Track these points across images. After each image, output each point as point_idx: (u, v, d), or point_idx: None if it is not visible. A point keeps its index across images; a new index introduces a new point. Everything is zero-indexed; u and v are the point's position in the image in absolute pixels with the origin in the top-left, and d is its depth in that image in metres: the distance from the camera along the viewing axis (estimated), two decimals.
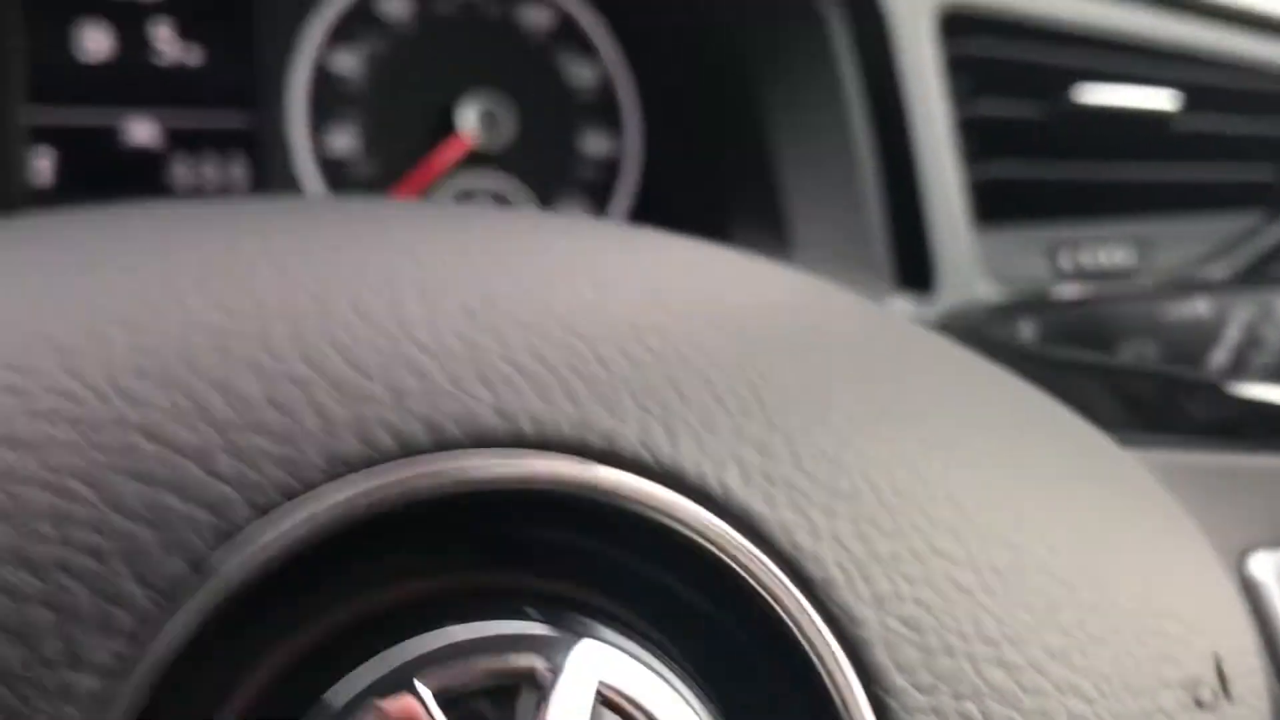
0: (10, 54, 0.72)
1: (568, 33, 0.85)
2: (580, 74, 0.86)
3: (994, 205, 0.80)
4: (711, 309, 0.27)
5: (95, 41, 0.74)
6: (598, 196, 0.86)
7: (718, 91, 0.84)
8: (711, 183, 0.86)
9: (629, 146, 0.87)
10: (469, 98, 0.81)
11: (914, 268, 0.78)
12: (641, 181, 0.87)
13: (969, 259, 0.78)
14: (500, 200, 0.83)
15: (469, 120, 0.81)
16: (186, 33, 0.76)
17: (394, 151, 0.81)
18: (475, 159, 0.82)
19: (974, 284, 0.78)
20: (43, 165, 0.73)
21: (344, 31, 0.79)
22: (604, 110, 0.86)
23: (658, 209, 0.87)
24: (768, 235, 0.81)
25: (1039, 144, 0.82)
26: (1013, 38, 0.82)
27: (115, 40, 0.75)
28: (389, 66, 0.81)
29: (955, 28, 0.80)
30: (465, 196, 0.82)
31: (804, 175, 0.80)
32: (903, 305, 0.77)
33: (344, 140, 0.80)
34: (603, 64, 0.86)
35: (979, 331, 0.61)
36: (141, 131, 0.75)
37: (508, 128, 0.82)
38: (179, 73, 0.76)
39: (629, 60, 0.87)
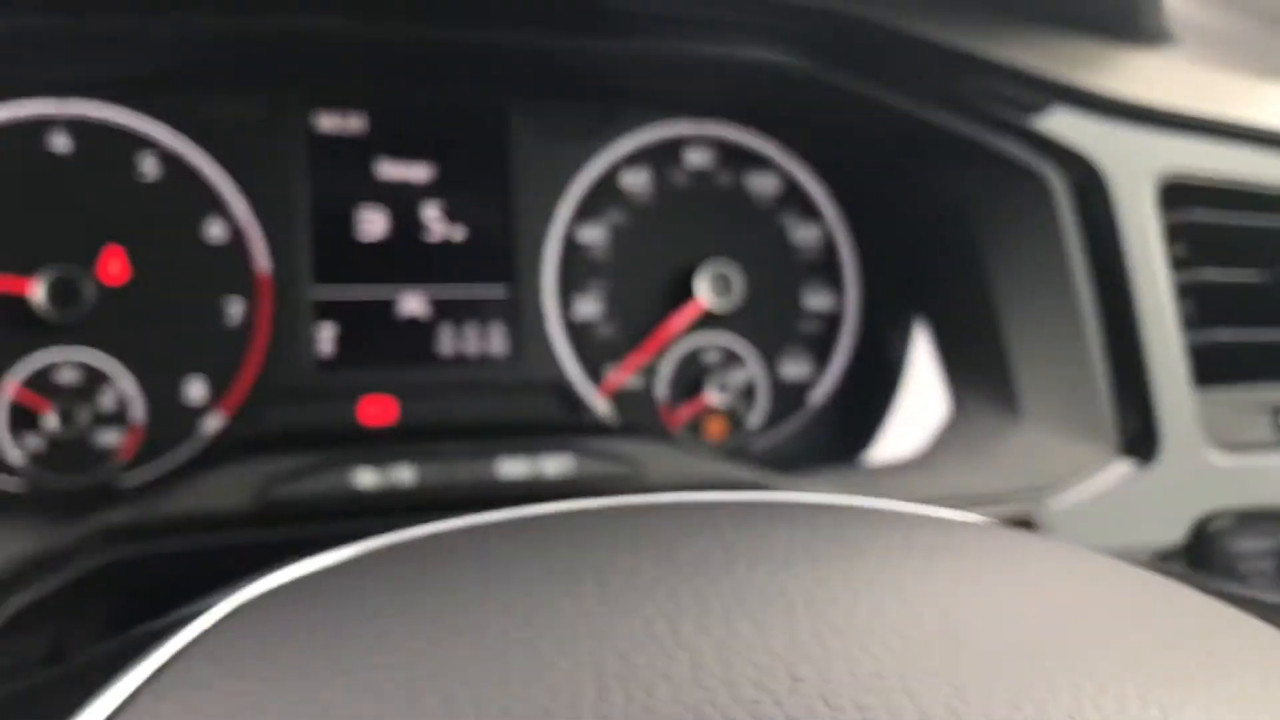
0: (300, 239, 0.80)
1: (793, 197, 0.90)
2: (804, 235, 0.90)
3: (1214, 368, 0.82)
4: (1121, 665, 0.31)
5: (372, 223, 0.81)
6: (819, 349, 0.91)
7: (939, 251, 0.88)
8: (932, 339, 0.89)
9: (849, 302, 0.91)
10: (703, 262, 0.86)
11: (1137, 433, 0.80)
12: (861, 335, 0.91)
13: (1192, 424, 0.80)
14: (729, 356, 0.88)
15: (703, 284, 0.86)
16: (452, 213, 0.83)
17: (633, 314, 0.86)
18: (706, 318, 0.87)
19: (1197, 449, 0.80)
20: (325, 337, 0.80)
21: (590, 205, 0.85)
22: (826, 267, 0.91)
23: (876, 361, 0.91)
24: (995, 399, 0.84)
25: (1259, 308, 0.84)
26: (1230, 206, 0.84)
27: (390, 221, 0.82)
28: (629, 235, 0.86)
29: (1175, 197, 0.82)
30: (696, 353, 0.87)
31: (1029, 339, 0.83)
32: (1126, 470, 0.79)
33: (589, 306, 0.85)
34: (825, 225, 0.91)
35: (1239, 541, 0.63)
36: (412, 304, 0.82)
37: (738, 289, 0.87)
38: (445, 249, 0.82)
39: (849, 220, 0.91)
